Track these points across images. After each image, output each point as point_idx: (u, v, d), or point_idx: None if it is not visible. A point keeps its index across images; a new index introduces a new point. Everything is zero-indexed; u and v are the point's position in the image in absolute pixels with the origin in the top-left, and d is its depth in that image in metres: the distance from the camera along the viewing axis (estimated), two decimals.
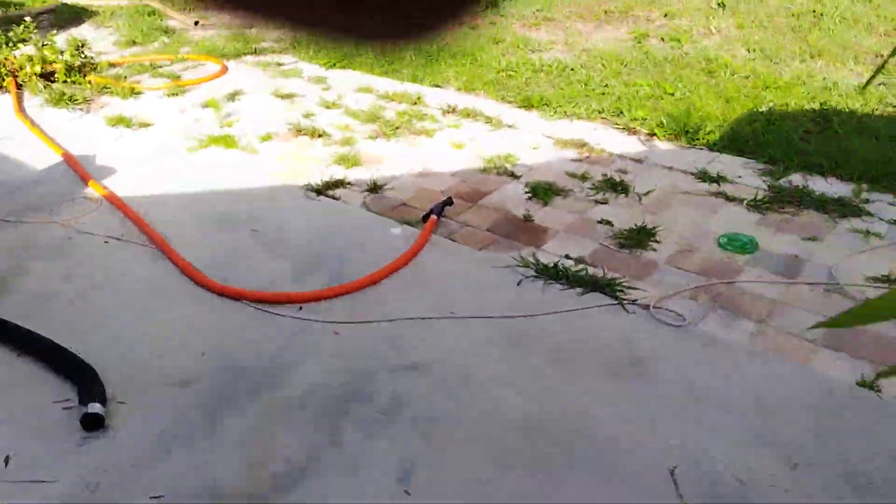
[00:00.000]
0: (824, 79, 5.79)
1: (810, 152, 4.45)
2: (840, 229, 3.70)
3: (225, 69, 6.17)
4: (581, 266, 3.39)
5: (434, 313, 3.07)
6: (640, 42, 6.84)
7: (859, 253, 3.49)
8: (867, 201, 3.94)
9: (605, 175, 4.24)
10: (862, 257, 3.46)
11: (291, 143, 4.77)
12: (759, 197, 3.98)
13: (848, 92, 5.48)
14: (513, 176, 4.31)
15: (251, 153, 4.64)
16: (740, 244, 3.58)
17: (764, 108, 5.23)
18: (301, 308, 3.10)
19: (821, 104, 5.27)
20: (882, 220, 3.76)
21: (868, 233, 3.64)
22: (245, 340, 2.94)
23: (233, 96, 5.56)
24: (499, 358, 2.83)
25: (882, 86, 5.64)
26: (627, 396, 2.62)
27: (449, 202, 3.90)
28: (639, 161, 4.48)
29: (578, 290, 3.22)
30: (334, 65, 6.27)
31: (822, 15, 7.39)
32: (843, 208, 3.86)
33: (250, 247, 3.60)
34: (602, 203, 3.99)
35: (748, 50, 6.54)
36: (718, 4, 7.90)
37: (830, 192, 4.03)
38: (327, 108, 5.34)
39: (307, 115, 5.18)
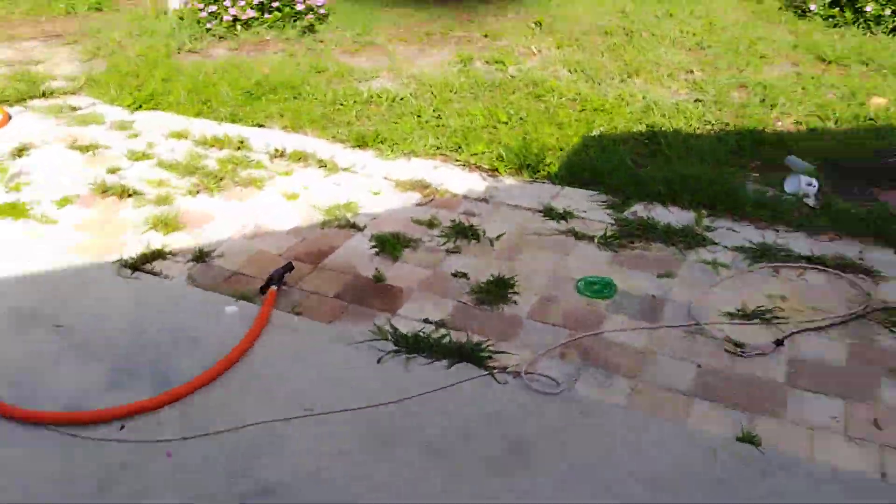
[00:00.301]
0: (644, 98, 5.94)
1: (647, 180, 4.47)
2: (690, 261, 3.70)
3: (7, 118, 5.34)
4: (443, 332, 3.13)
5: (285, 413, 2.68)
6: (465, 65, 6.72)
7: (711, 287, 3.49)
8: (709, 228, 3.99)
9: (453, 221, 4.01)
10: (715, 291, 3.47)
11: (96, 207, 4.15)
12: (608, 233, 3.92)
13: (669, 111, 5.63)
14: (356, 228, 3.98)
15: (47, 223, 3.97)
16: (598, 288, 3.47)
17: (595, 133, 5.25)
18: (123, 427, 2.60)
19: (647, 126, 5.38)
20: (726, 248, 3.81)
21: (716, 263, 3.67)
22: (57, 479, 2.40)
23: (19, 152, 4.80)
24: (367, 462, 2.49)
25: (698, 102, 5.88)
26: (514, 494, 2.37)
27: (289, 268, 3.50)
28: (484, 201, 4.30)
29: (444, 362, 2.95)
30: (140, 106, 5.63)
31: (632, 32, 7.66)
32: (688, 238, 3.87)
33: (54, 349, 3.01)
34: (454, 252, 3.76)
35: (570, 70, 6.61)
36: (535, 23, 8.00)
37: (674, 221, 4.04)
38: (136, 160, 4.73)
39: (113, 171, 4.56)
